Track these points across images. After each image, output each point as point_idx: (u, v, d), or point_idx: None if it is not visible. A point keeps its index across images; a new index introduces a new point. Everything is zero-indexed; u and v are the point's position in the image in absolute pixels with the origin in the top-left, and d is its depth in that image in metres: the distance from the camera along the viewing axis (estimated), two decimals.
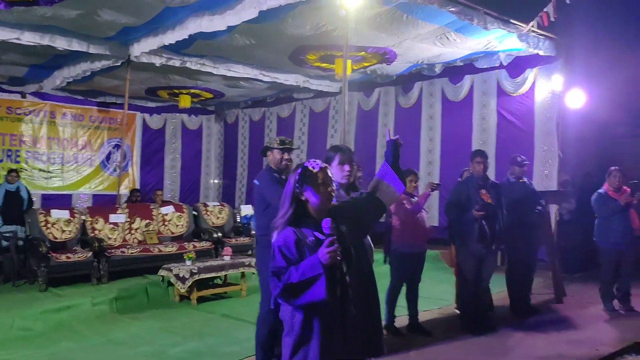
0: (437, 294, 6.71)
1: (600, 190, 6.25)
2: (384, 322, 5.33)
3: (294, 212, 2.41)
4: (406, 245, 5.12)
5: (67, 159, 12.09)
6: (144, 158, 13.40)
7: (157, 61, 8.47)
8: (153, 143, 13.54)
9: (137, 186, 12.86)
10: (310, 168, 2.46)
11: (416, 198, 5.22)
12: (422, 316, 5.81)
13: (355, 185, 3.59)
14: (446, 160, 9.63)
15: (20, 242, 7.50)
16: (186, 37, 6.89)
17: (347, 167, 3.27)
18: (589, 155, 8.53)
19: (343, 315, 2.35)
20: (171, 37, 7.12)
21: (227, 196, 13.58)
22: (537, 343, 5.06)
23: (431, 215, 9.19)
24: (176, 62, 8.67)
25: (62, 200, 11.51)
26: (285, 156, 4.52)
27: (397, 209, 5.05)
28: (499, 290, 6.56)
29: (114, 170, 12.71)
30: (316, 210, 2.43)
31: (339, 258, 2.23)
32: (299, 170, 2.46)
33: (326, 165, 2.53)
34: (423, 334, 5.27)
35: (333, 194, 2.48)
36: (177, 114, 13.72)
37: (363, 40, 7.39)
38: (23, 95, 11.32)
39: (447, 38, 7.37)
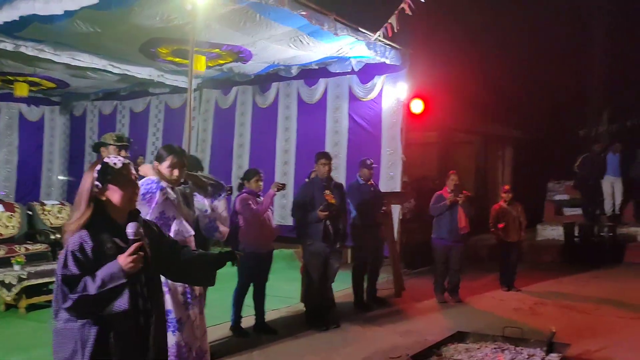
0: (288, 292, 6.81)
1: (438, 192, 6.81)
2: (229, 324, 5.31)
3: (91, 214, 2.18)
4: (253, 245, 5.13)
5: None
6: None
7: None
8: None
9: None
10: (112, 164, 2.24)
11: (262, 198, 5.24)
12: (270, 315, 5.88)
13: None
14: (301, 161, 9.81)
15: None
16: (17, 18, 6.23)
17: (176, 172, 3.18)
18: (429, 159, 9.23)
19: (144, 328, 2.18)
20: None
21: (74, 194, 12.57)
22: (374, 335, 5.36)
23: (284, 215, 9.35)
24: (8, 46, 7.80)
25: None
26: (122, 154, 4.30)
27: (243, 209, 5.03)
28: (347, 286, 6.86)
29: None
30: (119, 210, 2.23)
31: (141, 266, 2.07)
32: (98, 167, 2.23)
33: (129, 161, 2.31)
34: (268, 333, 5.31)
35: (137, 192, 2.30)
36: (13, 103, 12.38)
37: (217, 37, 7.27)
38: None
39: (301, 41, 7.51)
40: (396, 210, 8.63)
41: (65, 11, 5.95)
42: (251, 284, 5.36)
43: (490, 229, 7.56)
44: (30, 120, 12.86)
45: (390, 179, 8.84)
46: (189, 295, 3.02)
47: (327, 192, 5.51)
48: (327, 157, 5.67)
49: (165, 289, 2.90)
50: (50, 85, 11.01)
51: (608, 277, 8.70)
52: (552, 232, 11.50)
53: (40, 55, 8.27)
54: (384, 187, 8.59)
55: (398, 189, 8.62)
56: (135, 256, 2.03)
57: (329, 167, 5.61)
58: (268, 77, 10.02)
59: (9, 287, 5.79)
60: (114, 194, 2.21)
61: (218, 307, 5.34)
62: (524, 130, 13.96)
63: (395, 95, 8.86)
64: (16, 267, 6.11)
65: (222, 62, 8.67)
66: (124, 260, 2.03)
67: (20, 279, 5.82)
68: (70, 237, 2.11)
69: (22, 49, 7.99)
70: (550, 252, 10.61)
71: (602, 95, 13.67)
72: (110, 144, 4.15)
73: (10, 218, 7.89)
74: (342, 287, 6.95)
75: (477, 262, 9.29)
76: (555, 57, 13.27)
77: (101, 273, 2.03)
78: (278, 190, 5.03)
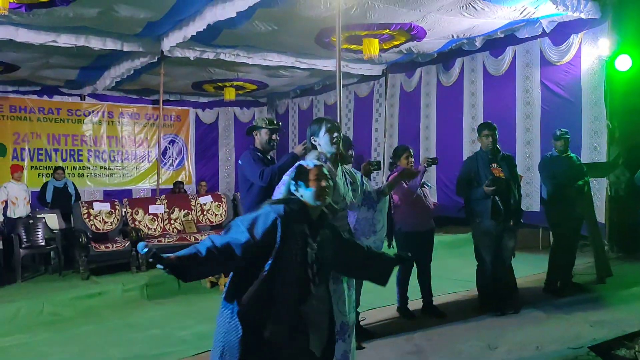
0: (467, 275, 6.37)
1: None
2: (395, 305, 5.20)
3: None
4: (409, 224, 4.92)
5: (126, 156, 12.74)
6: (199, 152, 13.83)
7: (191, 55, 8.68)
8: (206, 137, 13.94)
9: (193, 180, 13.31)
10: (305, 166, 2.49)
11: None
12: (444, 298, 5.62)
13: (346, 156, 3.40)
14: None
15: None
16: (205, 27, 6.99)
17: (335, 134, 3.13)
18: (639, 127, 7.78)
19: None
20: (193, 28, 7.26)
21: None
22: (557, 323, 4.72)
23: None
24: (210, 55, 8.83)
25: (123, 196, 12.10)
26: (274, 136, 4.49)
27: (395, 188, 4.84)
28: (541, 271, 6.21)
29: (171, 165, 13.25)
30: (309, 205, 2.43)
31: None
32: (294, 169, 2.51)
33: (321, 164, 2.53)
34: (436, 316, 5.06)
35: (328, 191, 2.44)
36: (229, 108, 14.02)
37: (384, 17, 7.16)
38: (82, 97, 12.02)
39: (474, 7, 6.97)
40: (603, 185, 7.52)
41: (244, 13, 6.48)
42: (415, 265, 5.15)
43: None
44: (242, 121, 14.38)
45: (594, 149, 7.72)
46: None
47: (494, 165, 5.01)
48: (490, 127, 5.15)
49: None
50: (252, 87, 12.14)
51: None
52: None
53: (236, 60, 9.18)
54: (586, 158, 7.56)
55: (604, 160, 7.48)
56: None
57: (492, 138, 5.09)
58: (451, 53, 9.57)
59: None
60: (304, 190, 2.45)
61: (385, 289, 5.25)
62: None
63: (596, 53, 7.69)
64: None
65: (396, 42, 8.51)
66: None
67: None
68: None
69: (222, 56, 8.97)
70: None
71: None
72: (263, 127, 4.35)
73: (218, 207, 8.91)
74: (536, 270, 6.33)
75: None
76: None
77: None
78: (428, 165, 4.72)
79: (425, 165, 4.70)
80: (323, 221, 2.45)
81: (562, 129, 5.96)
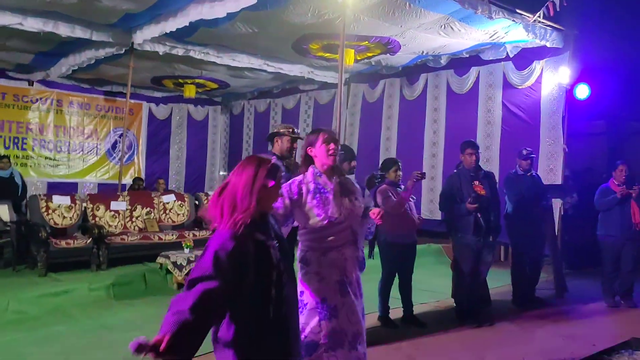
0: (437, 286, 6.64)
1: (604, 185, 6.16)
2: (377, 314, 5.31)
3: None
4: (394, 235, 5.04)
5: (73, 147, 12.17)
6: (150, 148, 13.43)
7: (161, 49, 8.46)
8: (159, 133, 13.56)
9: (143, 176, 12.91)
10: (279, 165, 2.27)
11: (402, 188, 5.14)
12: (419, 308, 5.77)
13: (339, 168, 3.23)
14: (450, 153, 9.49)
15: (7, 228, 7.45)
16: (187, 24, 6.87)
17: (332, 145, 3.05)
18: (594, 150, 8.39)
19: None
20: (173, 24, 7.09)
21: None
22: (533, 336, 5.00)
23: (433, 209, 9.14)
24: (180, 51, 8.64)
25: (67, 188, 11.49)
26: (295, 144, 4.50)
27: (383, 200, 4.96)
28: (503, 284, 6.53)
29: (119, 159, 12.78)
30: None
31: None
32: (269, 166, 2.14)
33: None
34: (417, 326, 5.21)
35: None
36: (183, 104, 13.72)
37: (365, 30, 7.32)
38: (30, 83, 11.37)
39: (452, 28, 7.26)
40: (557, 206, 8.01)
41: (228, 14, 6.41)
42: (396, 276, 5.29)
43: None
44: (196, 119, 14.12)
45: (550, 171, 8.20)
46: (343, 284, 3.00)
47: (476, 182, 5.25)
48: (473, 146, 5.39)
49: (316, 277, 2.97)
50: (213, 86, 11.97)
51: None
52: None
53: (205, 58, 9.03)
54: (543, 179, 8.00)
55: (559, 182, 7.97)
56: None
57: (476, 157, 5.33)
58: (416, 68, 9.87)
59: (180, 267, 6.38)
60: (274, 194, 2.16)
61: (366, 298, 5.35)
62: None
63: (556, 80, 8.19)
64: (186, 250, 6.72)
65: (370, 54, 8.71)
66: None
67: (189, 261, 6.38)
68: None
69: (191, 53, 8.80)
70: None
71: None
72: (285, 135, 4.33)
73: (181, 207, 8.71)
74: (498, 284, 6.64)
75: None
76: None
77: None
78: (417, 180, 4.87)
79: (415, 179, 4.83)
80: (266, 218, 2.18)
81: (527, 149, 6.33)
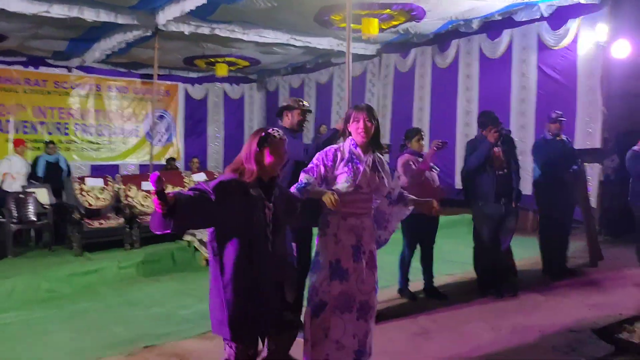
0: (466, 257, 6.45)
1: (635, 147, 5.80)
2: (396, 287, 5.24)
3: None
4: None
5: (113, 131, 12.54)
6: (188, 128, 13.67)
7: (186, 29, 8.50)
8: (196, 113, 13.77)
9: (182, 156, 13.18)
10: (273, 134, 2.66)
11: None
12: (444, 280, 5.68)
13: (379, 144, 3.27)
14: None
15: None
16: (205, 1, 6.85)
17: (361, 124, 3.10)
18: (636, 112, 7.87)
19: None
20: (191, 2, 7.12)
21: None
22: (557, 306, 4.82)
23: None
24: (205, 30, 8.66)
25: (110, 171, 11.84)
26: (306, 117, 4.45)
27: (404, 169, 4.85)
28: (535, 254, 6.31)
29: (159, 140, 13.08)
30: (266, 171, 2.65)
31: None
32: (262, 134, 2.65)
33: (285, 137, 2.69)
34: (438, 298, 5.12)
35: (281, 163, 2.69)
36: (219, 84, 13.85)
37: None
38: (69, 69, 11.74)
39: None
40: (596, 170, 7.63)
41: None
42: (418, 247, 5.19)
43: None
44: (232, 98, 14.24)
45: (588, 134, 7.82)
46: (358, 250, 3.09)
47: (496, 149, 5.03)
48: (495, 123, 5.11)
49: (333, 239, 3.07)
50: (244, 64, 11.98)
51: None
52: None
53: (231, 36, 9.02)
54: (581, 144, 7.67)
55: (598, 146, 7.58)
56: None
57: (499, 134, 5.07)
58: (447, 34, 9.55)
59: (206, 244, 6.49)
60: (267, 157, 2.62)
61: (388, 270, 5.30)
62: None
63: (593, 39, 7.74)
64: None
65: (395, 22, 8.46)
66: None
67: None
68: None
69: (217, 31, 8.81)
70: None
71: None
72: (297, 108, 4.28)
73: None
74: (530, 253, 6.42)
75: None
76: None
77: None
78: (438, 148, 4.73)
79: (435, 148, 4.70)
80: (274, 183, 2.70)
81: (557, 112, 6.01)
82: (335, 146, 3.22)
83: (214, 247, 2.57)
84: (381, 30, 8.57)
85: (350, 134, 3.19)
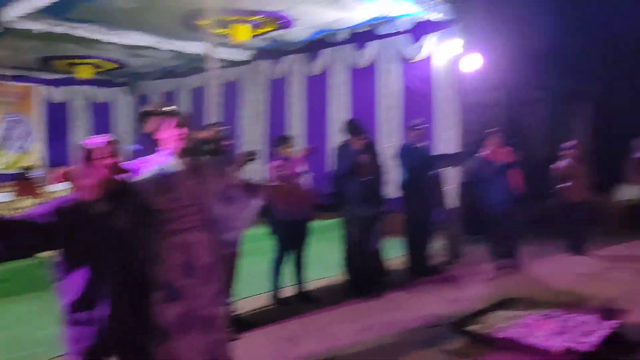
0: (337, 260, 6.65)
1: (479, 154, 6.38)
2: (270, 293, 5.25)
3: None
4: (285, 212, 4.98)
5: None
6: (49, 134, 12.60)
7: (37, 27, 7.82)
8: (57, 118, 12.73)
9: (47, 163, 12.16)
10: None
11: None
12: (317, 284, 5.77)
13: (194, 150, 3.06)
14: None
15: None
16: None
17: (174, 130, 2.94)
18: (490, 121, 8.64)
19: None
20: None
21: None
22: (419, 303, 5.12)
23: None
24: (61, 29, 8.06)
25: None
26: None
27: (274, 174, 4.89)
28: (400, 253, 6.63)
29: (17, 147, 11.97)
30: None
31: None
32: None
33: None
34: (310, 302, 5.20)
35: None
36: (83, 87, 12.91)
37: (253, 4, 7.11)
38: None
39: (342, 2, 7.20)
40: (456, 174, 8.22)
41: None
42: (289, 253, 5.24)
43: (554, 188, 7.02)
44: (99, 102, 13.38)
45: (446, 142, 8.40)
46: (190, 267, 2.85)
47: (362, 155, 5.25)
48: (359, 133, 5.34)
49: (159, 261, 2.79)
50: (112, 66, 11.34)
51: None
52: (634, 192, 10.55)
53: (92, 36, 8.49)
54: (440, 150, 8.20)
55: (456, 152, 8.18)
56: None
57: (364, 142, 5.30)
58: (317, 43, 9.78)
59: None
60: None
61: (260, 277, 5.30)
62: (604, 84, 12.76)
63: (449, 52, 8.32)
64: None
65: (267, 29, 8.50)
66: None
67: None
68: None
69: (76, 31, 8.23)
70: (629, 213, 9.72)
71: None
72: (156, 113, 4.04)
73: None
74: (399, 254, 6.73)
75: (544, 226, 8.68)
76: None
77: None
78: (307, 154, 4.84)
79: (306, 153, 4.76)
80: (123, 193, 2.58)
81: (416, 120, 6.44)
82: (142, 160, 2.93)
83: (58, 268, 2.47)
84: (254, 36, 8.58)
85: (162, 142, 2.96)
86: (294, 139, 5.26)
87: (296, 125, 10.34)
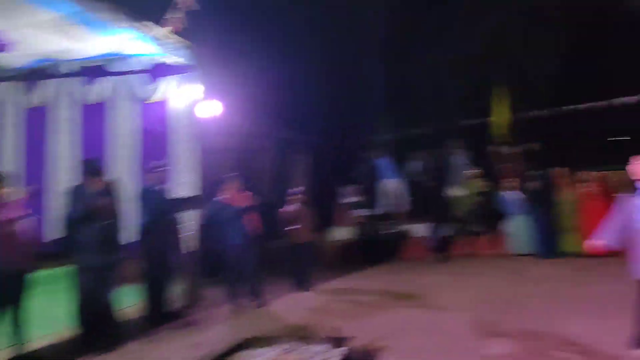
0: (65, 314, 5.91)
1: (217, 198, 6.58)
2: None
3: None
4: None
5: None
6: None
7: None
8: None
9: None
10: None
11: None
12: (43, 342, 5.04)
13: None
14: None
15: None
16: None
17: None
18: (225, 165, 8.96)
19: None
20: None
21: None
22: (160, 351, 4.90)
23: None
24: None
25: None
26: None
27: None
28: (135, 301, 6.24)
29: None
30: None
31: None
32: None
33: None
34: None
35: None
36: None
37: None
38: None
39: (72, 31, 6.66)
40: (194, 217, 8.19)
41: None
42: (4, 309, 4.48)
43: (282, 231, 7.60)
44: None
45: (184, 184, 8.35)
46: None
47: (101, 199, 4.88)
48: (97, 173, 4.98)
49: None
50: None
51: (390, 271, 9.42)
52: (343, 232, 12.15)
53: None
54: (177, 193, 8.10)
55: (195, 195, 8.19)
56: None
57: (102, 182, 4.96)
58: (38, 73, 8.78)
59: None
60: None
61: None
62: (320, 136, 14.44)
63: (185, 97, 8.39)
64: None
65: None
66: None
67: None
68: None
69: None
70: (341, 251, 11.16)
71: (381, 105, 14.83)
72: None
73: None
74: (130, 302, 6.32)
75: (275, 266, 9.29)
76: (346, 68, 14.00)
77: None
78: (28, 197, 4.25)
79: (26, 196, 4.18)
80: None
81: (155, 162, 6.31)
82: None
83: None
84: None
85: None
86: (9, 178, 4.54)
87: (12, 162, 9.03)
